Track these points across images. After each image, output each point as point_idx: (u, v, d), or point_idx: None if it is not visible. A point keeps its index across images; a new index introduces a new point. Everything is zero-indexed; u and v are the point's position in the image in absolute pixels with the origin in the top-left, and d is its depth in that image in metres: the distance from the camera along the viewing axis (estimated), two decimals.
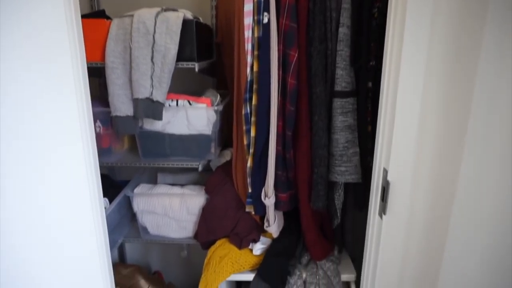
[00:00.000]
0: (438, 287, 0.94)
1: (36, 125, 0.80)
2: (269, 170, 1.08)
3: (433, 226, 0.93)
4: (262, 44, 1.02)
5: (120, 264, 1.76)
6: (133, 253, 1.88)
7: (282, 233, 1.19)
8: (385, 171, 0.92)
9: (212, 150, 1.26)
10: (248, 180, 1.14)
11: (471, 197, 0.73)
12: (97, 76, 1.40)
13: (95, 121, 1.21)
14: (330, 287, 1.15)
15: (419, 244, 0.97)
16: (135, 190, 1.31)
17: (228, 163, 1.34)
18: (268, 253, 1.16)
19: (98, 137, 1.25)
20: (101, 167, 0.99)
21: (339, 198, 1.11)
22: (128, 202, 1.33)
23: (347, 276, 1.17)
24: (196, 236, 1.28)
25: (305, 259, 1.18)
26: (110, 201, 1.27)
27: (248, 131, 1.10)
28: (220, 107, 1.20)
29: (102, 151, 1.26)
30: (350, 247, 1.24)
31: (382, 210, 0.94)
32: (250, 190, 1.14)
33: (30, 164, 0.80)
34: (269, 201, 1.10)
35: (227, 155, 1.40)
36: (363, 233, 1.25)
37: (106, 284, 1.02)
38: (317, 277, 1.14)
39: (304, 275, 1.15)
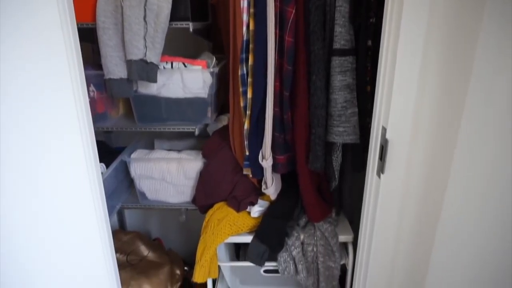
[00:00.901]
0: (435, 244, 0.95)
1: (26, 88, 0.78)
2: (267, 132, 1.07)
3: (430, 184, 0.92)
4: (258, 1, 0.99)
5: (120, 231, 1.78)
6: (133, 221, 1.90)
7: (280, 195, 1.19)
8: (384, 129, 0.91)
9: (209, 114, 1.24)
10: (245, 142, 1.13)
11: (469, 154, 0.72)
12: (89, 41, 1.36)
13: (88, 85, 1.18)
14: (328, 248, 1.16)
15: (416, 202, 0.97)
16: (132, 155, 1.30)
17: (225, 128, 1.32)
18: (266, 215, 1.17)
19: (93, 102, 1.23)
20: (98, 134, 0.98)
21: (337, 159, 1.10)
22: (125, 167, 1.32)
23: (345, 237, 1.18)
24: (194, 200, 1.29)
25: (302, 221, 1.19)
26: (107, 166, 1.27)
27: (245, 92, 1.08)
28: (216, 69, 1.18)
29: (97, 116, 1.25)
30: (348, 209, 1.25)
31: (380, 169, 0.94)
32: (247, 153, 1.14)
33: (24, 129, 0.78)
34: (266, 163, 1.09)
35: (223, 120, 1.38)
36: (361, 195, 1.25)
37: (105, 248, 1.03)
38: (315, 238, 1.15)
39: (302, 237, 1.16)
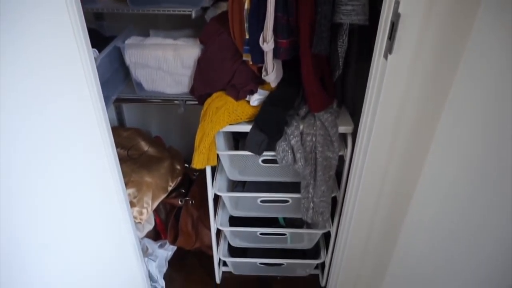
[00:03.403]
0: (436, 132, 0.93)
1: None
2: (269, 11, 0.99)
3: (438, 69, 0.87)
4: None
5: (119, 127, 1.78)
6: (132, 118, 1.90)
7: (280, 84, 1.14)
8: (397, 3, 0.83)
9: None
10: (246, 25, 1.05)
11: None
12: None
13: None
14: (327, 138, 1.15)
15: (421, 88, 0.93)
16: (126, 41, 1.23)
17: (224, 14, 1.23)
18: (265, 103, 1.14)
19: None
20: (89, 21, 0.90)
21: (342, 45, 1.04)
22: (119, 55, 1.26)
23: (345, 128, 1.16)
24: (192, 90, 1.25)
25: (303, 111, 1.17)
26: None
27: None
28: None
29: None
30: (349, 101, 1.22)
31: (388, 50, 0.88)
32: (247, 36, 1.07)
33: None
34: (267, 45, 1.03)
35: (222, 7, 1.29)
36: (363, 88, 1.21)
37: (105, 139, 1.02)
38: (314, 128, 1.14)
39: (301, 127, 1.14)
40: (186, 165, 1.75)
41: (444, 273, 0.99)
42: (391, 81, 0.91)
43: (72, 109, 0.91)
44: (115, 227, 1.22)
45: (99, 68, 1.13)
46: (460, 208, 0.89)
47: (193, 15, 1.13)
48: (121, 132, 1.70)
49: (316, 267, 1.63)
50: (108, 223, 1.16)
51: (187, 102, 1.38)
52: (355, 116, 1.22)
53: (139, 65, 1.24)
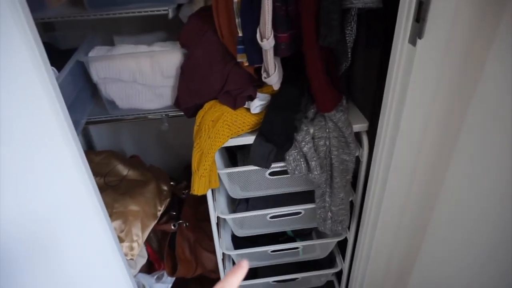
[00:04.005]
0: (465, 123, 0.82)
1: None
2: (265, 2, 0.82)
3: (471, 52, 0.76)
4: None
5: (90, 151, 1.56)
6: (102, 140, 1.68)
7: (282, 85, 0.99)
8: None
9: None
10: (237, 20, 0.89)
11: None
12: None
13: None
14: (341, 140, 1.01)
15: (453, 75, 0.81)
16: (90, 54, 1.02)
17: (204, 10, 1.05)
18: (269, 109, 0.98)
19: None
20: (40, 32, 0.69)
21: (351, 33, 0.89)
22: (83, 71, 1.05)
23: (359, 126, 1.03)
24: (177, 102, 1.06)
25: (311, 113, 1.02)
26: (60, 70, 0.99)
27: None
28: None
29: (33, 4, 0.93)
30: (360, 95, 1.08)
31: (418, 34, 0.74)
32: (240, 34, 0.90)
33: None
34: (267, 43, 0.86)
35: (198, 3, 1.10)
36: (371, 78, 1.08)
37: (81, 172, 0.82)
38: (327, 130, 0.99)
39: (311, 130, 1.00)
40: (172, 183, 1.56)
41: (467, 279, 0.92)
42: (421, 69, 0.78)
43: (37, 143, 0.71)
44: (107, 272, 1.02)
45: (61, 89, 0.93)
46: (491, 208, 0.80)
47: (170, 14, 0.95)
48: (92, 157, 1.48)
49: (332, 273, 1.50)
50: (98, 268, 0.96)
51: (169, 115, 1.19)
52: (364, 110, 1.09)
53: (110, 81, 1.04)
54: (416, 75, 0.79)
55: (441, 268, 1.07)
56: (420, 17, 0.72)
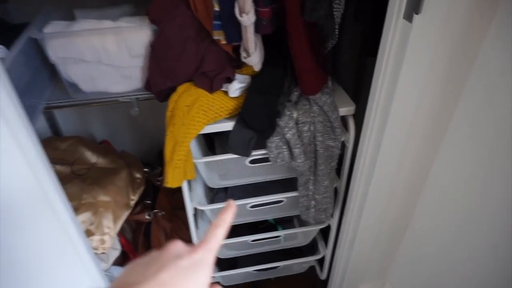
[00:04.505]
0: (457, 112, 0.77)
1: None
2: None
3: (468, 30, 0.70)
4: None
5: (54, 138, 1.44)
6: (69, 124, 1.55)
7: (263, 65, 0.90)
8: None
9: None
10: None
11: None
12: None
13: None
14: (327, 125, 0.94)
15: (450, 54, 0.75)
16: (46, 29, 0.90)
17: None
18: (249, 92, 0.89)
19: None
20: None
21: (339, 7, 0.81)
22: (38, 49, 0.92)
23: (346, 109, 0.96)
24: (148, 84, 0.96)
25: (294, 96, 0.94)
26: (10, 48, 0.87)
27: None
28: None
29: None
30: (346, 75, 1.01)
31: (414, 9, 0.67)
32: (217, 8, 0.80)
33: None
34: (247, 18, 0.77)
35: None
36: (357, 56, 1.01)
37: (33, 159, 0.71)
38: (312, 114, 0.92)
39: (295, 115, 0.92)
40: (146, 169, 1.47)
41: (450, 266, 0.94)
42: (417, 48, 0.72)
43: None
44: (73, 270, 0.93)
45: (11, 70, 0.82)
46: (478, 198, 0.81)
47: None
48: (58, 144, 1.36)
49: None
50: (61, 266, 0.87)
51: (140, 98, 1.09)
52: (350, 93, 1.02)
53: (70, 61, 0.93)
54: (411, 54, 0.72)
55: (424, 254, 1.05)
56: None
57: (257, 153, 0.96)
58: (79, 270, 0.87)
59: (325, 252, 1.34)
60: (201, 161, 0.97)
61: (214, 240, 0.35)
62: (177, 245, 0.34)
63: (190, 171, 0.92)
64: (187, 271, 0.32)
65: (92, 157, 1.35)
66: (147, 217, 1.37)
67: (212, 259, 0.34)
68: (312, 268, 1.50)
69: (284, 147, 0.93)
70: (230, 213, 0.38)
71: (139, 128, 1.60)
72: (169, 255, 0.33)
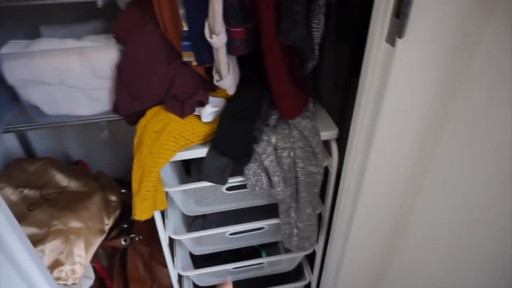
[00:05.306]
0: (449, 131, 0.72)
1: None
2: None
3: (458, 50, 0.64)
4: None
5: (24, 159, 1.36)
6: (43, 144, 1.47)
7: (239, 88, 0.84)
8: None
9: None
10: (181, 11, 0.73)
11: None
12: None
13: None
14: (308, 151, 0.88)
15: (435, 81, 0.69)
16: (3, 50, 0.83)
17: None
18: (223, 117, 0.83)
19: None
20: None
21: (318, 27, 0.75)
22: None
23: (328, 133, 0.90)
24: (115, 107, 0.90)
25: (273, 120, 0.88)
26: None
27: None
28: None
29: None
30: (328, 97, 0.95)
31: (397, 32, 0.62)
32: (185, 28, 0.74)
33: None
34: (218, 40, 0.71)
35: None
36: (340, 80, 0.96)
37: None
38: (291, 139, 0.86)
39: (273, 140, 0.86)
40: (123, 190, 1.40)
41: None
42: (401, 73, 0.66)
43: None
44: None
45: None
46: (469, 219, 0.76)
47: (100, 2, 0.77)
48: (26, 166, 1.28)
49: None
50: None
51: (112, 121, 1.02)
52: (334, 114, 0.96)
53: (30, 83, 0.86)
54: (395, 78, 0.67)
55: (415, 278, 1.00)
56: (400, 11, 0.60)
57: (233, 180, 0.89)
58: None
59: (311, 278, 1.27)
60: (174, 189, 0.90)
61: None
62: None
63: (161, 201, 0.85)
64: None
65: (63, 180, 1.28)
66: (123, 242, 1.29)
67: None
68: None
69: (263, 174, 0.86)
70: None
71: (118, 146, 1.53)
72: None
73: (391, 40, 0.63)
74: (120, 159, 1.57)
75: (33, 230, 1.11)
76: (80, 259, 1.15)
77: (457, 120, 0.72)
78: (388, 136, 0.77)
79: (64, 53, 0.84)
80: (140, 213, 0.81)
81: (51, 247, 1.11)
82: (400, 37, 0.61)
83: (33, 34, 0.97)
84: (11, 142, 1.37)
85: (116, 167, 1.51)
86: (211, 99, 0.85)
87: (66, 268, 1.12)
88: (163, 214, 0.99)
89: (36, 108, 0.91)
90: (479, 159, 0.70)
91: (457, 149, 0.74)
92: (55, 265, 1.09)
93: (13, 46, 0.84)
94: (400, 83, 0.68)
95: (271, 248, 1.35)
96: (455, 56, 0.65)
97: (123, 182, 1.40)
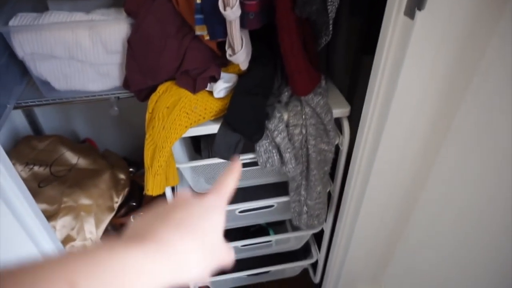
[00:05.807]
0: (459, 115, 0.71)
1: None
2: None
3: (475, 27, 0.63)
4: None
5: (32, 137, 1.35)
6: (50, 122, 1.47)
7: (251, 63, 0.83)
8: None
9: None
10: None
11: None
12: None
13: None
14: (320, 128, 0.88)
15: (454, 51, 0.68)
16: (11, 22, 0.82)
17: None
18: (236, 92, 0.82)
19: None
20: None
21: (333, 2, 0.74)
22: (6, 44, 0.84)
23: (340, 111, 0.90)
24: (126, 83, 0.89)
25: (285, 96, 0.87)
26: None
27: None
28: None
29: None
30: (340, 74, 0.94)
31: (417, 4, 0.60)
32: (198, 0, 0.72)
33: None
34: (232, 12, 0.70)
35: None
36: (352, 54, 0.94)
37: None
38: (304, 117, 0.85)
39: (285, 117, 0.86)
40: (131, 169, 1.40)
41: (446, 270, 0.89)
42: (419, 47, 0.65)
43: None
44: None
45: None
46: (477, 203, 0.75)
47: None
48: (35, 144, 1.28)
49: None
50: None
51: (121, 97, 1.01)
52: (343, 92, 0.95)
53: (40, 57, 0.85)
54: (412, 53, 0.66)
55: (420, 259, 1.01)
56: None
57: (245, 157, 0.89)
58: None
59: (318, 256, 1.28)
60: (185, 166, 0.90)
61: (225, 186, 0.36)
62: (185, 195, 0.34)
63: (173, 177, 0.86)
64: (200, 214, 0.31)
65: (72, 158, 1.28)
66: (132, 220, 1.30)
67: (223, 203, 0.35)
68: (305, 271, 1.45)
69: (274, 151, 0.86)
70: (234, 174, 0.37)
71: (125, 124, 1.53)
72: (179, 203, 0.32)
73: (410, 13, 0.62)
74: (126, 138, 1.57)
75: (44, 206, 1.12)
76: (91, 235, 1.17)
77: (474, 96, 0.71)
78: (402, 115, 0.76)
79: (73, 26, 0.82)
80: (152, 188, 0.81)
81: (63, 223, 1.12)
82: (420, 9, 0.59)
83: (41, 8, 0.96)
84: (19, 120, 1.37)
85: (122, 146, 1.51)
86: (223, 74, 0.84)
87: (78, 243, 1.13)
88: (173, 191, 0.99)
89: (46, 84, 0.91)
90: (495, 131, 0.69)
91: (472, 126, 0.73)
92: (66, 240, 1.10)
93: (21, 18, 0.83)
94: (418, 59, 0.67)
95: (279, 227, 1.36)
96: (475, 30, 0.63)
97: (130, 161, 1.41)
